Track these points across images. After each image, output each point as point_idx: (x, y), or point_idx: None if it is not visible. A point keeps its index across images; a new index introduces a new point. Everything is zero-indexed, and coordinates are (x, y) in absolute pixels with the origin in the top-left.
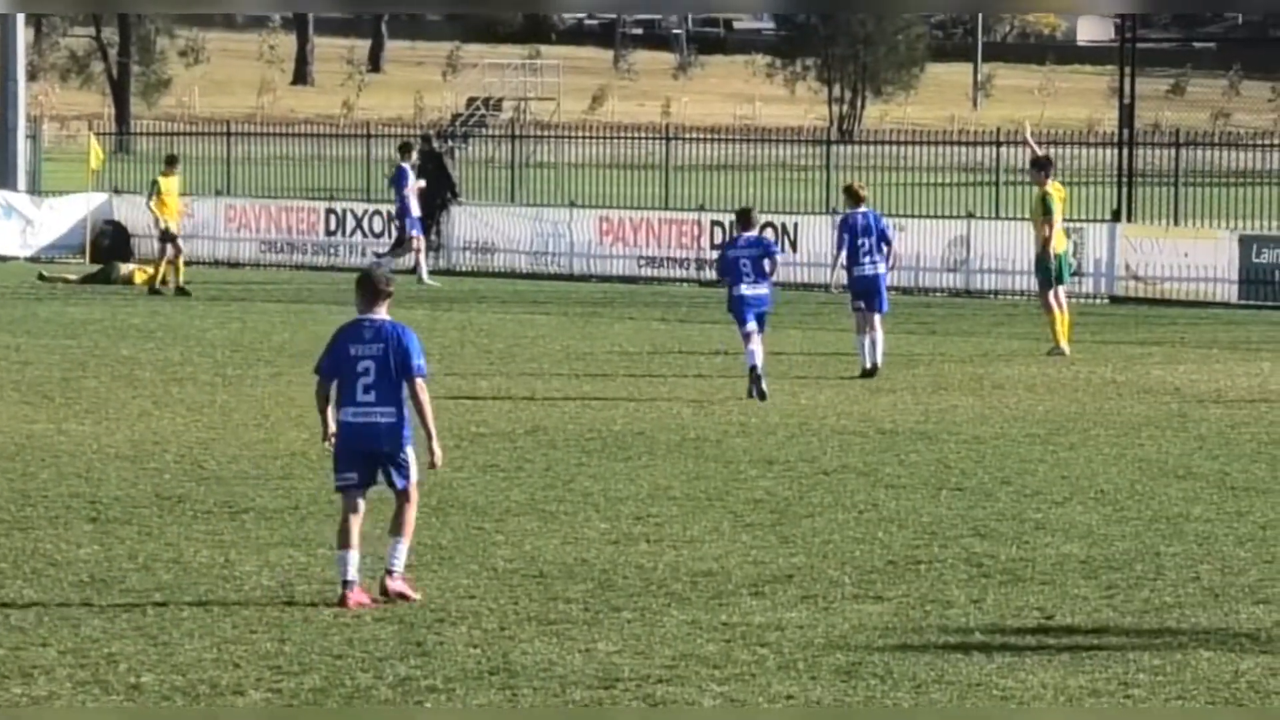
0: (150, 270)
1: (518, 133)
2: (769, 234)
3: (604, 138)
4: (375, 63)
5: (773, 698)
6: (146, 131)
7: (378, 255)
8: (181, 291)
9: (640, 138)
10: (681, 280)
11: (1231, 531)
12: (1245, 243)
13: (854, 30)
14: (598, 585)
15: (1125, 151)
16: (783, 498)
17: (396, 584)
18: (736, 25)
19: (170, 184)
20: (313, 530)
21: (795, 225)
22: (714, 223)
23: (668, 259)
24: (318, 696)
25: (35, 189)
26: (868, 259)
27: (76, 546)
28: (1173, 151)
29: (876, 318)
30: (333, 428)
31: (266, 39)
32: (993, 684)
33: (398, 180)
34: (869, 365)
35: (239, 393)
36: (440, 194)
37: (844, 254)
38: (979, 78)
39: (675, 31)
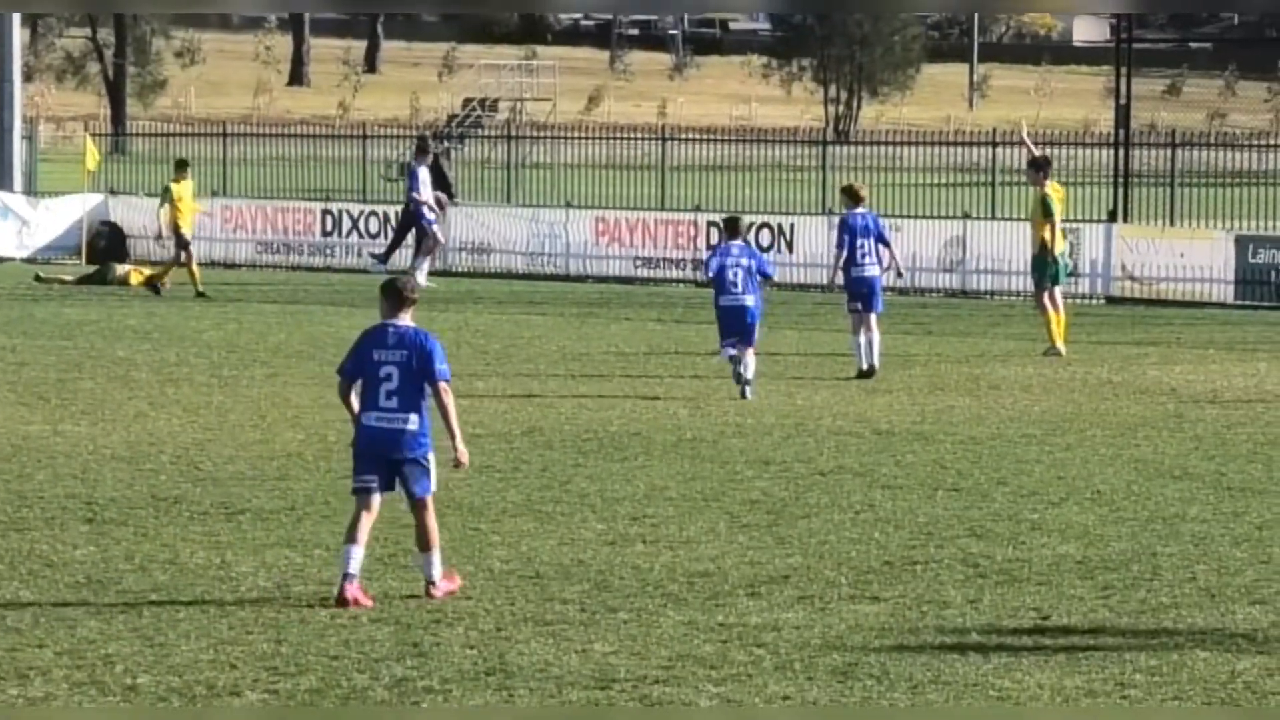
0: (146, 271)
1: (514, 133)
2: (765, 235)
3: (600, 138)
4: (371, 64)
5: (769, 698)
6: (142, 132)
7: (373, 256)
8: (201, 295)
9: (636, 138)
10: (677, 281)
11: (1228, 532)
12: (1241, 243)
13: (850, 31)
14: (594, 586)
15: (1121, 152)
16: (779, 498)
17: (439, 592)
18: (733, 26)
19: (183, 189)
20: (309, 531)
21: (791, 226)
22: (710, 223)
23: (664, 259)
24: (314, 697)
25: (31, 190)
26: (867, 260)
27: (73, 547)
28: (1169, 152)
29: (873, 318)
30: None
31: (262, 40)
32: (989, 684)
33: (409, 181)
34: (865, 366)
35: (235, 394)
36: (436, 195)
37: (844, 254)
38: (975, 78)
39: (671, 32)
